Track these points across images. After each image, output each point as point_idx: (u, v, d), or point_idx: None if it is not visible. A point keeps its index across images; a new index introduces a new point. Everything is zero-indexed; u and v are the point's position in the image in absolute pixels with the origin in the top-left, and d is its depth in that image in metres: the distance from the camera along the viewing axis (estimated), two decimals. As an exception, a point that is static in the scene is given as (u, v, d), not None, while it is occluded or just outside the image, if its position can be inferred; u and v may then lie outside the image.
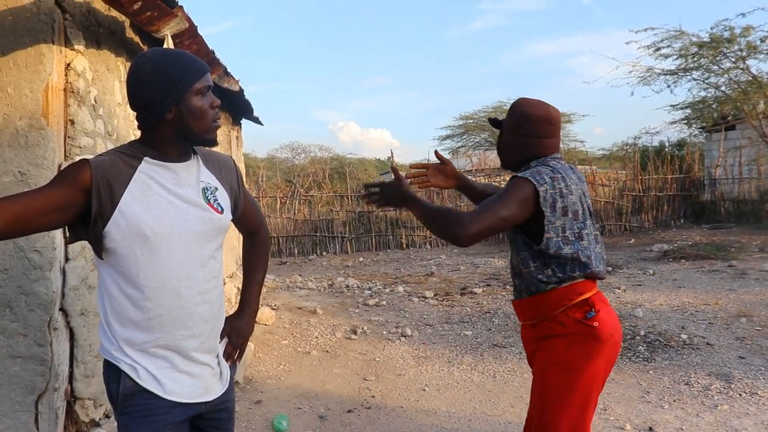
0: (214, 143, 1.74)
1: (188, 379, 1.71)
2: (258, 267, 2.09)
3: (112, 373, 1.69)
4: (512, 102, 2.35)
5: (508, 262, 2.33)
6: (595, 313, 2.14)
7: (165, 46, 3.24)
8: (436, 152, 2.62)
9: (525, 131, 2.26)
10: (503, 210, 2.07)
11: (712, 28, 13.70)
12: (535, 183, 2.10)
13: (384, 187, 2.31)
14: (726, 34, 13.48)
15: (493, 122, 2.43)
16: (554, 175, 2.13)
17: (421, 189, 2.91)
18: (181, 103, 1.63)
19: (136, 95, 1.65)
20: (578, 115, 28.68)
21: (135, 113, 1.68)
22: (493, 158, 20.82)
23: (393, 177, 2.26)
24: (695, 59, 14.43)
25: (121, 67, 3.40)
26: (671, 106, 17.23)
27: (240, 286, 6.14)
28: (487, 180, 16.90)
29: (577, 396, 2.12)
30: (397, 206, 2.28)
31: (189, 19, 3.35)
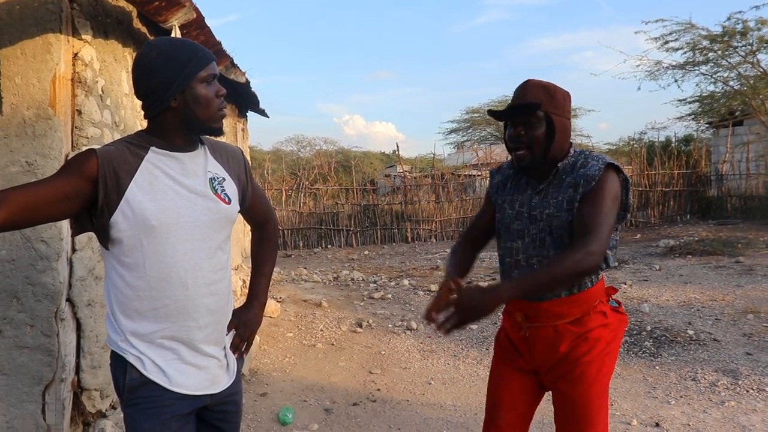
0: (220, 132, 1.72)
1: (195, 371, 1.70)
2: (266, 259, 2.07)
3: (119, 364, 1.68)
4: (530, 82, 2.01)
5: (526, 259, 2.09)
6: (613, 301, 2.13)
7: (173, 36, 3.22)
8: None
9: (569, 114, 2.02)
10: (611, 217, 1.89)
11: (726, 20, 13.59)
12: (618, 170, 1.95)
13: (462, 303, 1.76)
14: (739, 27, 13.37)
15: (527, 107, 1.95)
16: None
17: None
18: (186, 90, 1.62)
19: (142, 82, 1.64)
20: (584, 109, 28.53)
21: (141, 102, 1.67)
22: (498, 152, 20.77)
23: (456, 289, 1.80)
24: (704, 53, 14.34)
25: (128, 58, 3.39)
26: (678, 100, 17.23)
27: (245, 278, 6.16)
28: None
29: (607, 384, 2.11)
30: (488, 314, 1.76)
31: (197, 10, 3.33)
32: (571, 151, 2.05)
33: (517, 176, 2.15)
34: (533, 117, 1.94)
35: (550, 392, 2.18)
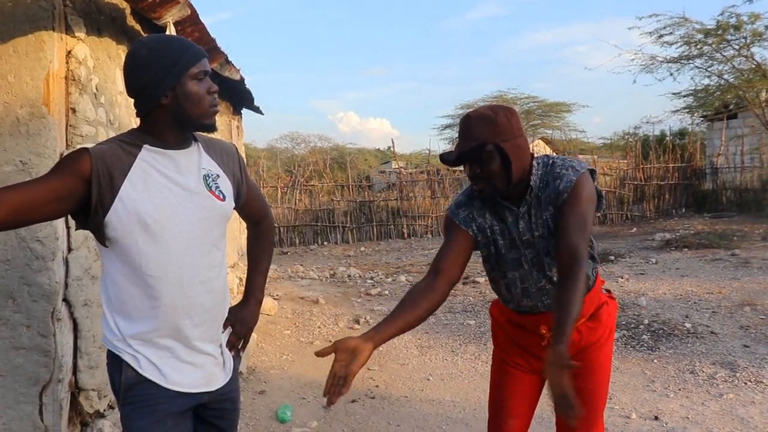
0: (213, 129, 1.71)
1: (191, 369, 1.69)
2: (262, 256, 2.06)
3: (115, 363, 1.68)
4: (471, 117, 1.95)
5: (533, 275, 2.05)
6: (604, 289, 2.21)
7: (167, 33, 3.20)
8: (318, 353, 1.91)
9: (520, 130, 1.95)
10: (590, 215, 1.91)
11: (720, 15, 13.62)
12: (591, 174, 1.98)
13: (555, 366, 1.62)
14: (733, 21, 13.40)
15: (471, 152, 1.90)
16: None
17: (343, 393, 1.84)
18: (177, 87, 1.60)
19: (132, 80, 1.63)
20: (578, 105, 28.55)
21: (133, 100, 1.65)
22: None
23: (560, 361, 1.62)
24: (698, 47, 14.36)
25: (122, 55, 3.36)
26: (673, 94, 17.22)
27: (242, 276, 6.13)
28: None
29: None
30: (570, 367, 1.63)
31: (191, 6, 3.30)
32: (534, 163, 2.00)
33: (488, 205, 2.06)
34: (483, 153, 1.90)
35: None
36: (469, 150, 1.90)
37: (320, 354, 1.83)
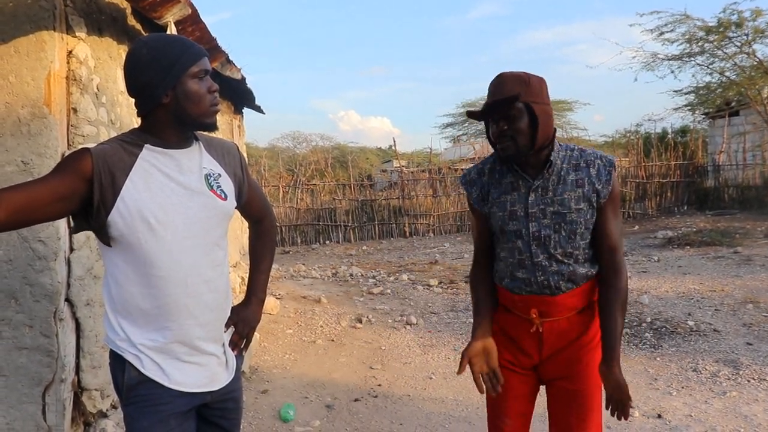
0: (214, 128, 1.71)
1: (194, 369, 1.69)
2: (264, 255, 2.06)
3: (118, 363, 1.67)
4: (504, 75, 1.94)
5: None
6: None
7: (168, 32, 3.20)
8: (458, 372, 2.06)
9: (549, 99, 1.97)
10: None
11: (721, 12, 13.60)
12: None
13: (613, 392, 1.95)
14: (734, 18, 13.38)
15: (505, 102, 1.89)
16: None
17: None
18: (177, 86, 1.60)
19: (133, 79, 1.63)
20: (580, 103, 28.55)
21: (133, 99, 1.65)
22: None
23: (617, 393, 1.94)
24: (700, 44, 14.33)
25: (123, 55, 3.36)
26: (675, 91, 17.20)
27: (244, 276, 6.14)
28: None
29: None
30: (624, 387, 1.94)
31: (192, 5, 3.30)
32: (556, 143, 1.99)
33: (497, 178, 2.06)
34: (513, 110, 1.88)
35: (545, 385, 2.17)
36: (501, 100, 1.89)
37: (460, 372, 2.03)
